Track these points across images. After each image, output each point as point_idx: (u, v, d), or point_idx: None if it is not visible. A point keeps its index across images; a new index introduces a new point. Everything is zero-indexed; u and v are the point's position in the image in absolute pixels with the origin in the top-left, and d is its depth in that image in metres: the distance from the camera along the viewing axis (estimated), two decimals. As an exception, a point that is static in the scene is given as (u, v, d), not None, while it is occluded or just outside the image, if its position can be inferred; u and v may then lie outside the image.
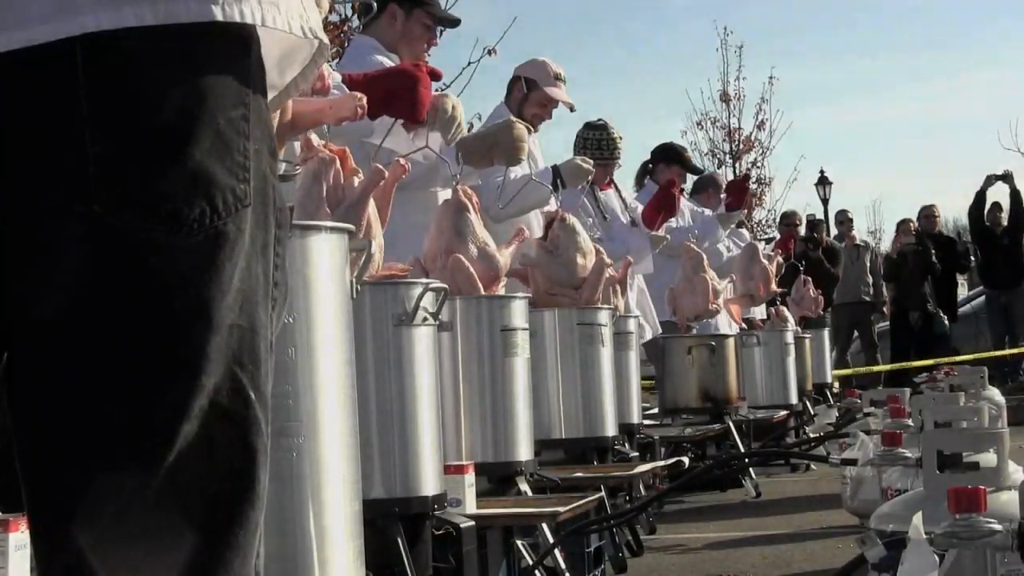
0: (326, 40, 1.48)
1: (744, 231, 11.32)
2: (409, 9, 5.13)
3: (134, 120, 1.28)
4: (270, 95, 1.53)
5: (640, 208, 7.96)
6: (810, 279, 10.99)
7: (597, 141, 7.55)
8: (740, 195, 9.84)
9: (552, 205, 5.65)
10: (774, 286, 9.09)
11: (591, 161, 6.26)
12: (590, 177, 6.32)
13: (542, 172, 5.92)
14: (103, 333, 1.28)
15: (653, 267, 7.59)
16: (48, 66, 1.28)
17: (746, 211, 10.40)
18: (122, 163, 1.28)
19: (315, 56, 1.51)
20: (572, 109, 6.41)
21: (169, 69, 1.30)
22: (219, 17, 1.31)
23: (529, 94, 6.24)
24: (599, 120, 7.68)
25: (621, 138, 7.64)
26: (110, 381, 1.28)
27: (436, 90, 4.22)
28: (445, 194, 4.87)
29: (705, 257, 7.78)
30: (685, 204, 9.44)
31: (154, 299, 1.29)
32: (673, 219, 8.30)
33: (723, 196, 9.96)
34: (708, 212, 9.86)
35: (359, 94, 3.05)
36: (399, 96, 3.81)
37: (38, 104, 1.28)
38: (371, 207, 3.30)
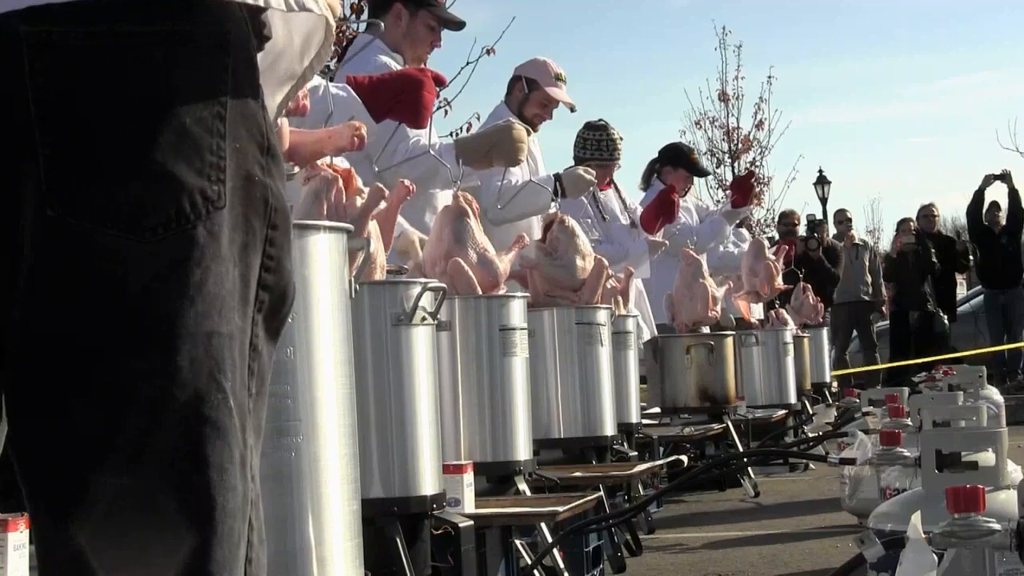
0: (323, 12, 1.42)
1: (744, 231, 11.32)
2: (414, 10, 5.13)
3: (86, 120, 1.24)
4: (289, 84, 1.50)
5: (640, 211, 7.95)
6: (809, 287, 10.97)
7: (597, 142, 7.54)
8: (745, 192, 9.83)
9: (552, 210, 5.64)
10: (779, 282, 9.07)
11: (593, 172, 6.28)
12: (592, 188, 6.33)
13: (544, 180, 5.92)
14: (68, 342, 1.26)
15: (650, 272, 7.60)
16: None
17: (751, 208, 10.37)
18: (76, 166, 1.24)
19: (327, 35, 1.46)
20: (572, 110, 6.41)
21: (127, 64, 1.25)
22: None
23: (530, 94, 6.24)
24: (599, 120, 7.67)
25: (621, 138, 7.63)
26: (78, 394, 1.26)
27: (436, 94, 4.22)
28: (445, 195, 4.88)
29: (704, 264, 7.78)
30: (692, 202, 9.45)
31: (117, 308, 1.26)
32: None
33: (728, 193, 9.95)
34: (713, 208, 9.87)
35: (357, 123, 3.04)
36: (403, 100, 3.80)
37: None
38: (374, 228, 3.30)
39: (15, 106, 1.24)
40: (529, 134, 4.94)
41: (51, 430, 1.27)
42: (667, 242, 7.81)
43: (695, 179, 9.88)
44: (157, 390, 1.27)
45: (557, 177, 6.00)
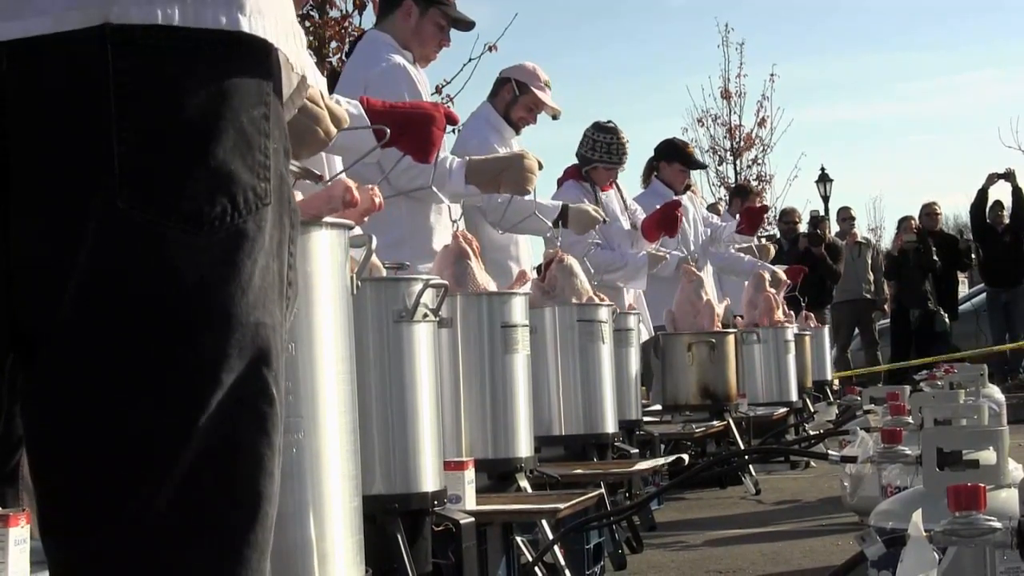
0: (306, 77, 1.51)
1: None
2: (425, 8, 5.13)
3: (160, 118, 1.29)
4: None
5: (640, 211, 7.96)
6: (812, 315, 10.95)
7: (607, 144, 7.57)
8: (754, 224, 9.83)
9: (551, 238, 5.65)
10: (779, 315, 9.04)
11: (603, 212, 6.37)
12: (597, 226, 6.38)
13: (550, 208, 5.94)
14: (121, 330, 1.28)
15: (646, 285, 7.62)
16: (76, 58, 1.27)
17: (754, 239, 10.32)
18: (147, 161, 1.28)
19: (299, 86, 1.52)
20: (555, 117, 6.43)
21: (194, 67, 1.30)
22: (245, 29, 1.33)
23: (519, 97, 6.26)
24: (609, 122, 7.67)
25: (628, 141, 7.66)
26: (127, 380, 1.28)
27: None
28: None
29: (705, 279, 7.79)
30: (698, 212, 9.47)
31: (174, 297, 1.29)
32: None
33: (736, 218, 9.96)
34: (717, 220, 9.89)
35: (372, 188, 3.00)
36: (411, 134, 3.79)
37: (65, 96, 1.28)
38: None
39: (95, 101, 1.27)
40: (541, 168, 4.94)
41: (97, 423, 1.28)
42: (667, 256, 7.84)
43: (699, 187, 9.92)
44: (206, 379, 1.30)
45: (564, 208, 6.05)
